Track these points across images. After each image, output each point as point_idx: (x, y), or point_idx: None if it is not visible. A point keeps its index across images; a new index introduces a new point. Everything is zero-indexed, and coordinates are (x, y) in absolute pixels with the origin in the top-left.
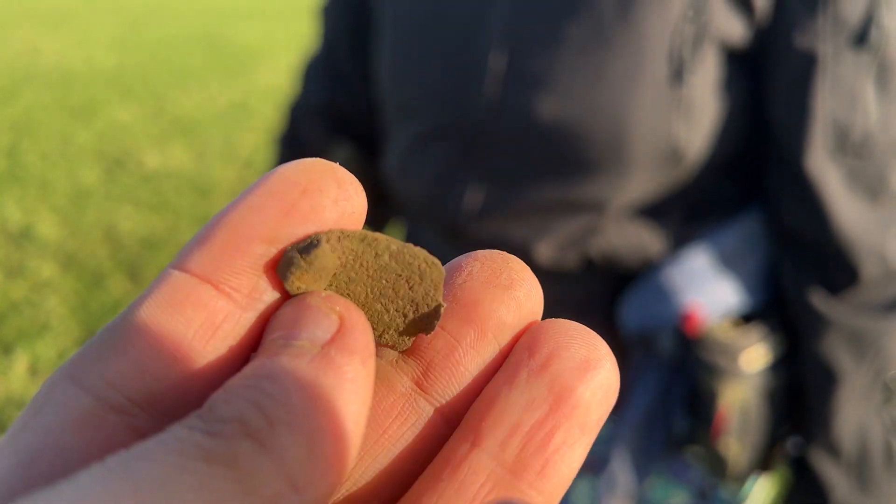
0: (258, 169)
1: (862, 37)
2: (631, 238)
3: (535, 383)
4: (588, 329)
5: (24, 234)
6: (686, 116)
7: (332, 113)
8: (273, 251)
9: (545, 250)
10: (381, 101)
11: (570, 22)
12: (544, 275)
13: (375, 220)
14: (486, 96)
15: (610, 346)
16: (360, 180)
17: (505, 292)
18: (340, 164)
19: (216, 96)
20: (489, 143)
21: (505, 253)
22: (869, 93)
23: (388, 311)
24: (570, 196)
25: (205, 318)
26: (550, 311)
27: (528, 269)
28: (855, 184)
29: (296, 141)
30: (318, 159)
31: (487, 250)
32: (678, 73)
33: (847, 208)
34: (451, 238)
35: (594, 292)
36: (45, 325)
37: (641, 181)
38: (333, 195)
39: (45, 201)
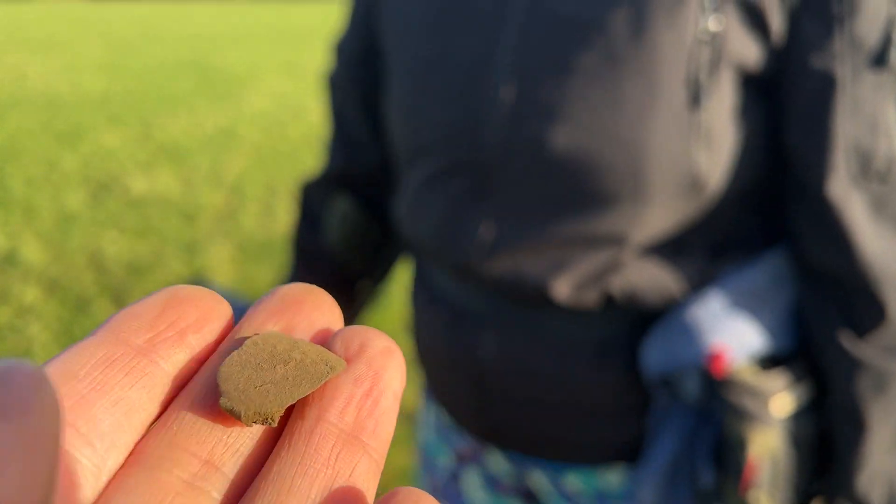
0: (245, 194)
1: (881, 57)
2: (652, 276)
3: (357, 365)
4: (377, 329)
5: (7, 258)
6: (705, 142)
7: (346, 179)
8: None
9: (563, 288)
10: (392, 147)
11: (581, 50)
12: (562, 314)
13: (379, 266)
14: (498, 129)
15: (632, 390)
16: (356, 232)
17: (308, 312)
18: (338, 218)
19: (203, 121)
20: (502, 177)
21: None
22: (891, 115)
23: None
24: (587, 230)
25: None
26: (568, 351)
27: (324, 294)
28: (880, 211)
29: (303, 213)
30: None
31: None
32: (695, 98)
33: (872, 237)
34: (462, 277)
35: (615, 333)
36: (28, 351)
37: (661, 213)
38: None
39: (29, 226)
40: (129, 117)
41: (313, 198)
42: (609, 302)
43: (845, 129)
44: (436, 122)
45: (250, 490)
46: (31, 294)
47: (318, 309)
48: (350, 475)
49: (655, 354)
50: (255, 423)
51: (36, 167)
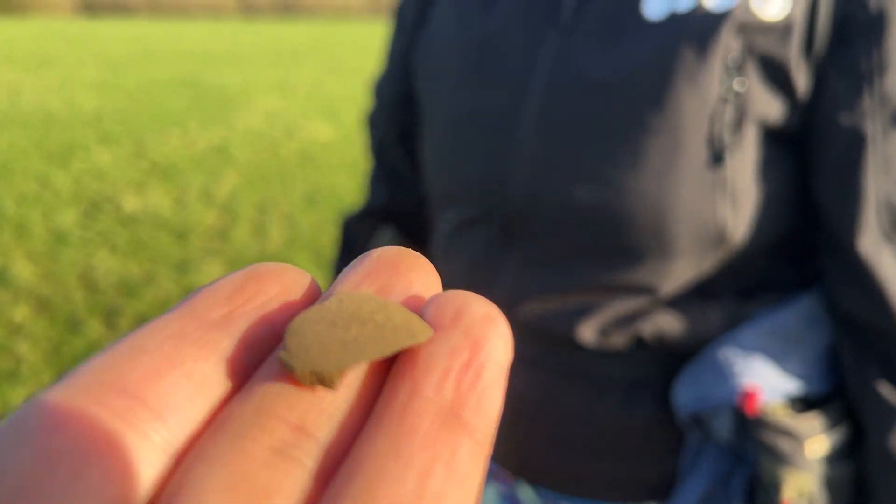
0: (236, 213)
1: None
2: (681, 320)
3: (453, 334)
4: (477, 295)
5: None
6: (730, 198)
7: (389, 214)
8: None
9: (589, 333)
10: (426, 192)
11: (605, 110)
12: (591, 354)
13: None
14: (523, 183)
15: (663, 429)
16: None
17: (405, 274)
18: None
19: (196, 140)
20: (527, 228)
21: (401, 248)
22: None
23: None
24: (613, 280)
25: None
26: (598, 391)
27: (421, 257)
28: None
29: (345, 247)
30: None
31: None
32: (718, 155)
33: None
34: None
35: (644, 372)
36: (16, 371)
37: (688, 265)
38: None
39: (20, 244)
40: (122, 135)
41: (357, 232)
42: (638, 343)
43: (875, 186)
44: (465, 173)
45: (337, 476)
46: (20, 313)
47: (415, 271)
48: (451, 458)
49: (687, 393)
50: (311, 383)
51: (27, 185)
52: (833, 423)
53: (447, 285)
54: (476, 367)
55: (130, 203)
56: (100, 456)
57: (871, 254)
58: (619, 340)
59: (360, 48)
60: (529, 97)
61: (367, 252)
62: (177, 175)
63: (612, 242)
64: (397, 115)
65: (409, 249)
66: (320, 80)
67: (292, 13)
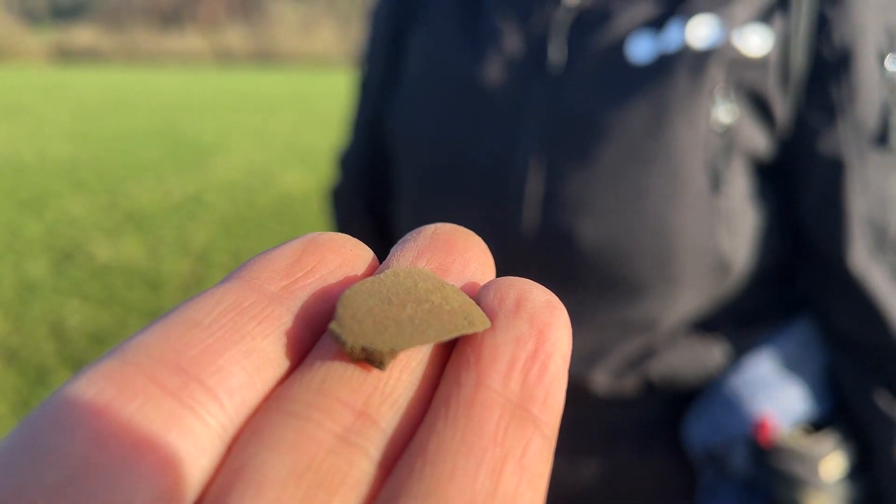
0: (212, 263)
1: (882, 138)
2: (688, 355)
3: (516, 322)
4: (534, 282)
5: None
6: (728, 226)
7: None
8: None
9: (601, 378)
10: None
11: (603, 144)
12: (601, 403)
13: None
14: (526, 224)
15: (677, 471)
16: None
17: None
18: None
19: (171, 189)
20: (532, 268)
21: (455, 225)
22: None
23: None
24: (620, 317)
25: None
26: (609, 440)
27: (476, 237)
28: None
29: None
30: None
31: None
32: (715, 184)
33: None
34: None
35: (656, 417)
36: None
37: (691, 296)
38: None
39: None
40: (96, 184)
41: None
42: (648, 387)
43: (858, 207)
44: (457, 219)
45: (401, 468)
46: None
47: (472, 250)
48: (522, 455)
49: (699, 429)
50: (359, 359)
51: None
52: (843, 442)
53: None
54: (543, 359)
55: (103, 252)
56: (153, 440)
57: (862, 270)
58: (630, 384)
59: (338, 97)
60: (523, 138)
61: (421, 227)
62: (151, 224)
63: (618, 277)
64: (364, 185)
65: (464, 228)
66: (297, 129)
67: (269, 62)
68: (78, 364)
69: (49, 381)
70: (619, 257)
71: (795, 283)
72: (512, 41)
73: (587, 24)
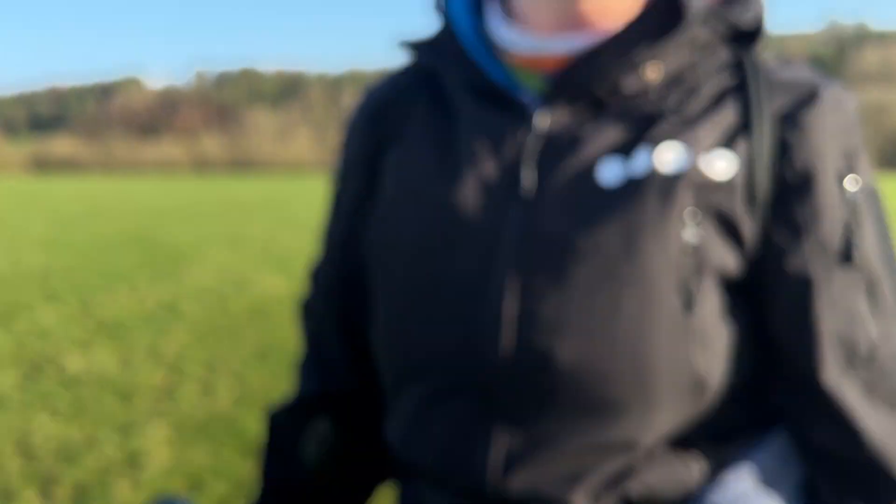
0: (184, 372)
1: (847, 256)
2: (667, 473)
3: None
4: None
5: None
6: (702, 345)
7: (323, 403)
8: None
9: (580, 500)
10: (380, 370)
11: (577, 265)
12: None
13: (362, 493)
14: (502, 346)
15: None
16: (337, 458)
17: None
18: (317, 443)
19: (145, 297)
20: (510, 393)
21: None
22: (863, 307)
23: None
24: (599, 438)
25: None
26: None
27: None
28: (873, 395)
29: (272, 443)
30: None
31: None
32: (688, 304)
33: (873, 420)
34: (470, 499)
35: None
36: None
37: (668, 415)
38: None
39: None
40: (68, 294)
41: (285, 426)
42: None
43: (828, 324)
44: (430, 343)
45: None
46: None
47: None
48: None
49: None
50: None
51: None
52: None
53: (421, 463)
54: None
55: (74, 363)
56: None
57: (834, 386)
58: None
59: (313, 201)
60: (498, 261)
61: None
62: (123, 333)
63: (596, 398)
64: (336, 301)
65: None
66: (273, 234)
67: (245, 168)
68: (44, 481)
69: (14, 499)
70: (596, 378)
71: (768, 398)
72: (486, 166)
73: (557, 149)
